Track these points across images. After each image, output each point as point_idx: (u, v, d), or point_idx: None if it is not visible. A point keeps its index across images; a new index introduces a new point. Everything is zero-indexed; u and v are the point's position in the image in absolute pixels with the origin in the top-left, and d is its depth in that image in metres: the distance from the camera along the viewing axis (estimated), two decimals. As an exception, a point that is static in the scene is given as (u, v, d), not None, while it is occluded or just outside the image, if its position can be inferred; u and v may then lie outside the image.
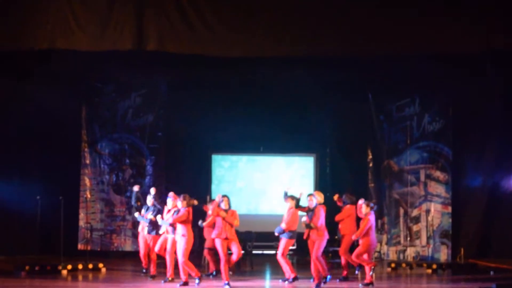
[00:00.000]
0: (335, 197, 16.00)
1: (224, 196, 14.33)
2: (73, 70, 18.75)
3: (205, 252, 15.93)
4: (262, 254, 19.92)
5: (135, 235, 19.69)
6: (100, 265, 17.22)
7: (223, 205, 14.10)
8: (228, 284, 13.81)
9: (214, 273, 15.69)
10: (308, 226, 13.81)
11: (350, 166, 21.11)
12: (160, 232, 15.16)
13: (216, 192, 21.12)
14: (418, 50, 16.41)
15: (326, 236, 13.98)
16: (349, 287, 14.56)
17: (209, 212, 14.95)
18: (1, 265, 17.26)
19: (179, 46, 16.18)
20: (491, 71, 18.60)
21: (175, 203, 14.62)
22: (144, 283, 15.03)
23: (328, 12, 15.85)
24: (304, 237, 14.03)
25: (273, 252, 15.22)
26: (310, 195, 14.17)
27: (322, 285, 13.91)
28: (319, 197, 14.54)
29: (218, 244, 14.00)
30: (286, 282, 14.58)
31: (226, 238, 13.97)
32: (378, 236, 19.94)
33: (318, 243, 13.81)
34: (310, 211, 13.95)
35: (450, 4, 15.80)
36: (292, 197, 14.52)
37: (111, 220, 20.14)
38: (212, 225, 14.63)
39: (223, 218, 14.00)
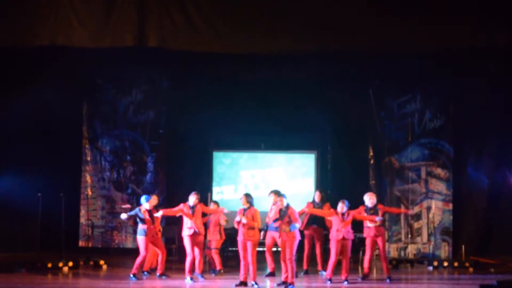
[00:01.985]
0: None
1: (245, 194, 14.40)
2: (74, 67, 18.72)
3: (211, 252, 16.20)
4: (263, 251, 19.90)
5: (136, 232, 19.64)
6: (101, 262, 17.23)
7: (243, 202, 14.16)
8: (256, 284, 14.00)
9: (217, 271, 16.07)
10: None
11: (351, 163, 21.08)
12: None
13: (216, 189, 21.18)
14: (420, 48, 16.43)
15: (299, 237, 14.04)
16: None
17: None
18: (2, 261, 17.26)
19: (180, 43, 16.20)
20: (493, 68, 18.63)
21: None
22: (145, 279, 15.03)
23: (329, 10, 15.86)
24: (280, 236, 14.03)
25: (273, 249, 15.26)
26: (280, 195, 14.08)
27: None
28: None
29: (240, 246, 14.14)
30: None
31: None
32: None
33: (292, 244, 13.84)
34: (281, 211, 13.94)
35: (453, 1, 15.81)
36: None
37: (112, 217, 20.13)
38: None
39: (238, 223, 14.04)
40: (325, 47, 16.28)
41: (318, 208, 15.96)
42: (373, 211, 15.19)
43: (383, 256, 15.41)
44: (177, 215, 15.13)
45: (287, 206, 13.86)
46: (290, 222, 13.70)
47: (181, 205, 14.89)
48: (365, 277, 15.27)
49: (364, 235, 15.51)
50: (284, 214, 13.78)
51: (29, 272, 15.93)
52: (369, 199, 15.32)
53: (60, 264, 16.50)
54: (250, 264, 13.89)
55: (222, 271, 15.96)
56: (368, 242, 15.37)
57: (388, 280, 15.02)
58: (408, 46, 16.30)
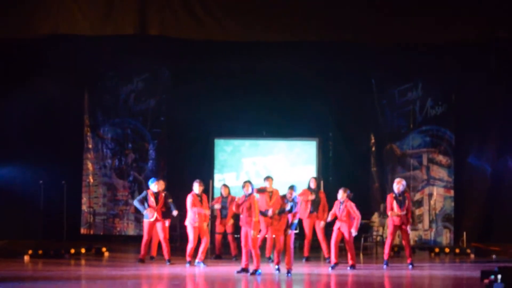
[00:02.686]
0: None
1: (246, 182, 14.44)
2: (75, 56, 18.73)
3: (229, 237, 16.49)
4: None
5: (137, 219, 19.76)
6: (103, 249, 17.28)
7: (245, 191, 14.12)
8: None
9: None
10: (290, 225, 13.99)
11: (352, 150, 21.06)
12: None
13: (218, 176, 21.20)
14: (422, 39, 16.45)
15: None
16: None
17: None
18: (5, 249, 17.31)
19: (181, 31, 16.20)
20: (494, 58, 18.63)
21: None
22: (147, 266, 15.09)
23: (331, 1, 15.85)
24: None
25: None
26: (291, 187, 14.20)
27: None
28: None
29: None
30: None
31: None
32: (381, 220, 20.00)
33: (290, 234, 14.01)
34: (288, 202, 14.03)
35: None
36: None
37: (114, 205, 20.16)
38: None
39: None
40: (327, 38, 16.29)
41: (314, 194, 16.14)
42: (401, 197, 15.19)
43: (407, 243, 15.43)
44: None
45: (294, 199, 14.00)
46: (295, 215, 13.84)
47: (191, 198, 15.04)
48: (387, 264, 15.26)
49: (388, 221, 15.57)
50: (294, 206, 13.89)
51: (31, 259, 15.98)
52: (396, 185, 15.32)
53: (62, 252, 16.55)
54: (252, 250, 13.92)
55: (237, 256, 16.17)
56: (390, 229, 15.41)
57: (410, 267, 15.12)
58: (409, 38, 16.32)
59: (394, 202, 15.24)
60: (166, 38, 16.57)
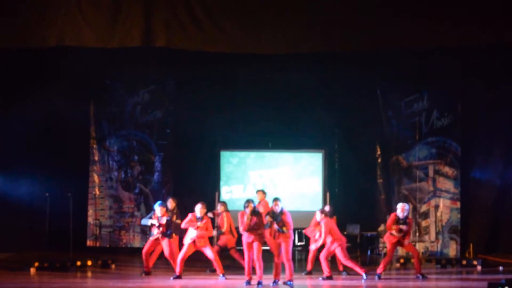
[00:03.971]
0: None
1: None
2: (81, 67, 18.75)
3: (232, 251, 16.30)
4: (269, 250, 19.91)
5: (143, 232, 19.74)
6: (109, 261, 17.26)
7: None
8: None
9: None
10: (280, 230, 13.91)
11: (358, 162, 21.09)
12: None
13: (225, 189, 21.18)
14: (426, 45, 16.41)
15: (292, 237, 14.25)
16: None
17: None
18: (10, 261, 17.31)
19: (187, 43, 16.19)
20: (500, 66, 18.59)
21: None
22: (152, 279, 15.07)
23: (335, 8, 15.84)
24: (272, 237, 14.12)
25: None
26: (275, 199, 14.22)
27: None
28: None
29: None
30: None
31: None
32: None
33: (287, 245, 13.98)
34: (276, 215, 14.01)
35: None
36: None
37: (120, 217, 20.17)
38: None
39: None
40: (332, 47, 16.28)
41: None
42: (402, 221, 15.20)
43: (416, 256, 15.47)
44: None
45: (281, 211, 14.00)
46: (283, 227, 13.86)
47: (188, 218, 15.09)
48: (379, 277, 15.22)
49: (386, 238, 15.63)
50: (278, 218, 13.87)
51: (37, 271, 15.96)
52: (400, 210, 15.36)
53: (68, 264, 16.53)
54: (256, 262, 13.91)
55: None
56: (388, 247, 15.48)
57: (420, 277, 15.18)
58: (414, 43, 16.27)
59: (395, 226, 15.27)
60: (172, 50, 16.59)
